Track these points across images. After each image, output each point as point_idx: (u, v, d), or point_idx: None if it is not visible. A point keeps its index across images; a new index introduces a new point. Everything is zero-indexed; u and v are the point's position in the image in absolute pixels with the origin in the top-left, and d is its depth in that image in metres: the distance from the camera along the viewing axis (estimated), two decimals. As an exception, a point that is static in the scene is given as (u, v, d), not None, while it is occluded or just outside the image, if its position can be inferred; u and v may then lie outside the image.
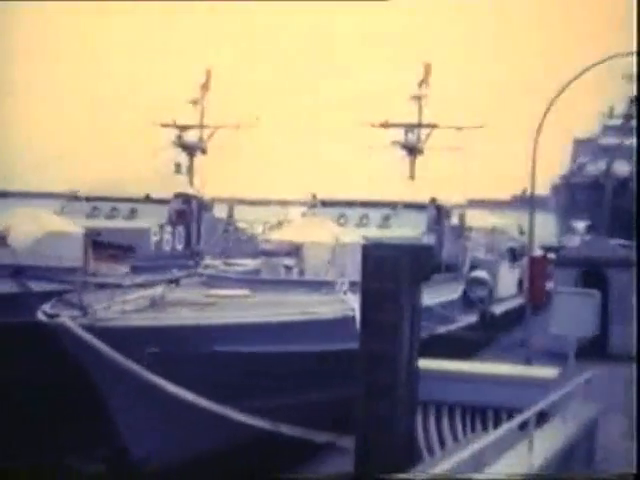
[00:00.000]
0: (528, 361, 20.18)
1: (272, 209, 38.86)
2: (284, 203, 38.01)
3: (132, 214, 30.85)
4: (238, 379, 15.77)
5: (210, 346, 15.61)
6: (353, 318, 15.54)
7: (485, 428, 13.47)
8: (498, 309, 29.18)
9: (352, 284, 17.75)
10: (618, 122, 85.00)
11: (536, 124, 21.27)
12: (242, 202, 42.78)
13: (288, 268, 22.23)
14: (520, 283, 31.05)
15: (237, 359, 15.79)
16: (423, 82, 33.19)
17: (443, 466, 7.49)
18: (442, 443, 13.89)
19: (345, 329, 16.04)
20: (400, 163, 32.49)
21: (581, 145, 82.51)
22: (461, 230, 29.66)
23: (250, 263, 24.11)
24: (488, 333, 27.41)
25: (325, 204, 27.20)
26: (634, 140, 73.73)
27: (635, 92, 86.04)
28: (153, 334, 15.07)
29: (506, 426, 9.60)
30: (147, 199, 31.32)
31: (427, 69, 33.31)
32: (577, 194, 70.19)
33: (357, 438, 13.31)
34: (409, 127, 32.97)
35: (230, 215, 38.78)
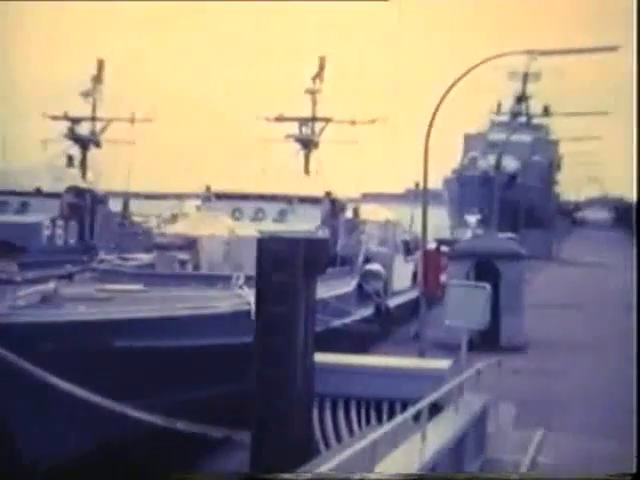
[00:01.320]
0: (422, 353, 20.50)
1: (167, 203, 38.59)
2: (179, 196, 37.76)
3: (23, 208, 30.26)
4: (134, 375, 15.62)
5: (105, 342, 15.42)
6: (249, 312, 15.56)
7: (380, 420, 13.66)
8: (393, 302, 29.53)
9: (248, 278, 17.75)
10: (505, 118, 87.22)
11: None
12: (137, 196, 42.35)
13: (183, 262, 22.10)
14: (414, 276, 31.48)
15: (133, 354, 15.64)
16: (317, 76, 33.34)
17: (337, 459, 7.57)
18: (338, 436, 14.03)
19: (241, 323, 16.04)
20: (295, 157, 32.61)
21: (471, 140, 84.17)
22: (356, 223, 29.91)
23: (145, 257, 23.89)
24: (383, 326, 27.71)
25: (220, 197, 27.07)
26: (522, 136, 75.73)
27: (521, 90, 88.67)
28: (45, 330, 14.80)
29: (399, 418, 9.74)
30: (38, 193, 30.76)
31: (322, 63, 33.47)
32: (468, 188, 71.46)
33: (253, 433, 13.34)
34: (303, 121, 33.09)
35: (125, 209, 38.35)
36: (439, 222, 46.89)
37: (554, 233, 69.13)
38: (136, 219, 38.01)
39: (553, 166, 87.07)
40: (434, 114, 21.23)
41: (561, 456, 14.37)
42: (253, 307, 14.30)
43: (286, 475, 6.43)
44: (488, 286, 16.97)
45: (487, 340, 22.95)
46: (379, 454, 8.55)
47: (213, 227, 22.82)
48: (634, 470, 9.86)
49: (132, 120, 38.94)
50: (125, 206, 38.18)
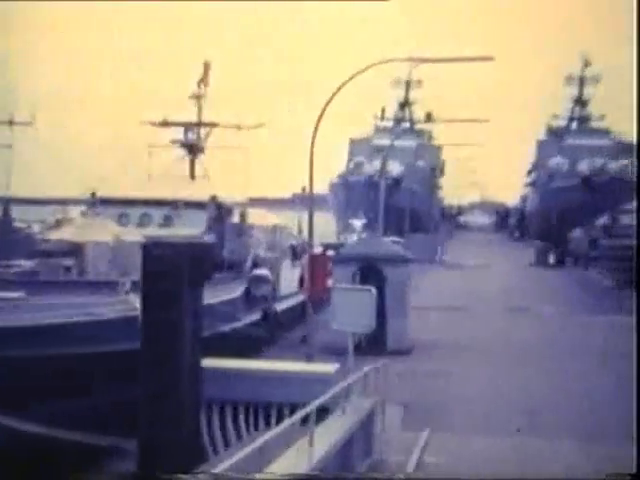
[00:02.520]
0: (309, 357, 20.59)
1: (50, 208, 37.83)
2: (63, 202, 37.07)
3: None
4: (16, 384, 15.28)
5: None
6: (136, 318, 15.40)
7: (269, 424, 13.68)
8: (280, 306, 29.59)
9: (134, 284, 17.56)
10: (390, 124, 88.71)
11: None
12: (19, 201, 41.38)
13: (67, 269, 21.72)
14: (302, 280, 31.58)
15: (15, 363, 15.30)
16: (202, 81, 33.13)
17: (225, 464, 7.56)
18: (226, 441, 14.00)
19: (128, 330, 15.86)
20: (180, 162, 32.36)
21: (357, 145, 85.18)
22: (243, 228, 29.86)
23: (27, 264, 23.38)
24: (271, 330, 27.74)
25: (105, 203, 26.69)
26: (406, 142, 77.06)
27: (403, 97, 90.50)
28: None
29: (287, 422, 9.77)
30: None
31: (206, 68, 33.26)
32: (354, 192, 72.19)
33: (140, 439, 13.21)
34: (189, 126, 32.86)
35: (6, 214, 37.43)
36: (326, 226, 47.26)
37: (438, 237, 70.29)
38: (18, 225, 37.12)
39: (436, 171, 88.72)
40: (319, 119, 21.38)
41: (447, 455, 14.63)
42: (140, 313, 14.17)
43: (184, 476, 6.44)
44: (374, 289, 17.14)
45: (374, 343, 23.18)
46: (268, 458, 8.57)
47: (98, 233, 22.48)
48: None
49: (11, 123, 38.11)
50: (5, 211, 37.27)
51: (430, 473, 13.57)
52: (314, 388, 12.77)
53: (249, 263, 28.79)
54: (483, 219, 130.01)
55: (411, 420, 17.56)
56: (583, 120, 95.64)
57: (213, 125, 33.23)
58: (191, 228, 25.34)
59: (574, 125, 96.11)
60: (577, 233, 69.75)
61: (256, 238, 31.11)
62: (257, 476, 6.92)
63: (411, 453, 14.44)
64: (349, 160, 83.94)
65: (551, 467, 14.30)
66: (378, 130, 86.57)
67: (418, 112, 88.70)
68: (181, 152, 32.55)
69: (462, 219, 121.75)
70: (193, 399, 13.41)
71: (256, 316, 27.23)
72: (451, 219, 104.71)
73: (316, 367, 16.04)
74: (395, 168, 73.94)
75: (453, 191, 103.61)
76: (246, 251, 29.16)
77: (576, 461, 14.73)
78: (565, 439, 16.27)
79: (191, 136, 32.75)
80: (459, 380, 21.98)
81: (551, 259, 66.44)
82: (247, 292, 27.26)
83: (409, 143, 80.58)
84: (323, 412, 11.43)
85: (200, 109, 32.95)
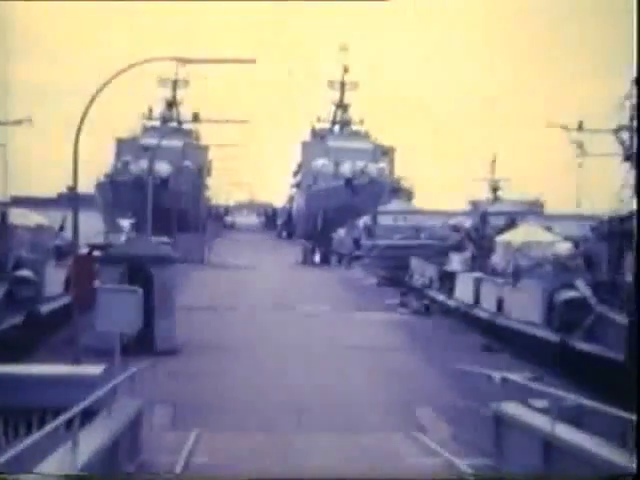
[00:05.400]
0: (77, 360, 20.22)
1: None
2: None
3: None
4: None
5: None
6: None
7: (30, 431, 13.33)
8: (46, 308, 28.88)
9: None
10: (157, 123, 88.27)
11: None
12: None
13: None
14: (67, 281, 30.92)
15: None
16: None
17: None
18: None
19: None
20: None
21: (124, 144, 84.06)
22: (4, 228, 28.95)
23: None
24: (36, 333, 27.04)
25: None
26: (173, 142, 76.87)
27: (171, 96, 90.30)
28: None
29: (48, 427, 9.54)
30: None
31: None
32: (122, 192, 71.24)
33: None
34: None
35: None
36: (93, 226, 46.42)
37: (206, 237, 70.45)
38: None
39: (203, 171, 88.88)
40: (83, 117, 20.99)
41: (214, 455, 14.80)
42: None
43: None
44: (139, 290, 17.11)
45: (142, 343, 23.06)
46: (28, 464, 8.44)
47: None
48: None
49: None
50: None
51: (199, 473, 13.69)
52: (79, 391, 12.59)
53: (11, 264, 27.97)
54: (251, 219, 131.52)
55: (180, 420, 17.64)
56: (345, 123, 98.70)
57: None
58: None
59: (337, 128, 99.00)
60: (340, 233, 71.96)
61: (19, 238, 30.24)
62: (22, 477, 6.85)
63: (180, 453, 14.51)
64: (116, 160, 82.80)
65: (311, 461, 14.77)
66: (146, 129, 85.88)
67: (186, 112, 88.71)
68: None
69: (230, 219, 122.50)
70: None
71: (19, 318, 26.48)
72: (219, 219, 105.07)
73: (82, 369, 15.80)
74: (162, 168, 73.60)
75: (221, 191, 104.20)
76: (8, 252, 28.31)
77: (338, 454, 15.29)
78: (326, 433, 16.86)
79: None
80: (227, 379, 22.23)
81: (316, 258, 68.19)
82: (9, 294, 26.48)
83: (176, 143, 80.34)
84: (89, 415, 11.32)
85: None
